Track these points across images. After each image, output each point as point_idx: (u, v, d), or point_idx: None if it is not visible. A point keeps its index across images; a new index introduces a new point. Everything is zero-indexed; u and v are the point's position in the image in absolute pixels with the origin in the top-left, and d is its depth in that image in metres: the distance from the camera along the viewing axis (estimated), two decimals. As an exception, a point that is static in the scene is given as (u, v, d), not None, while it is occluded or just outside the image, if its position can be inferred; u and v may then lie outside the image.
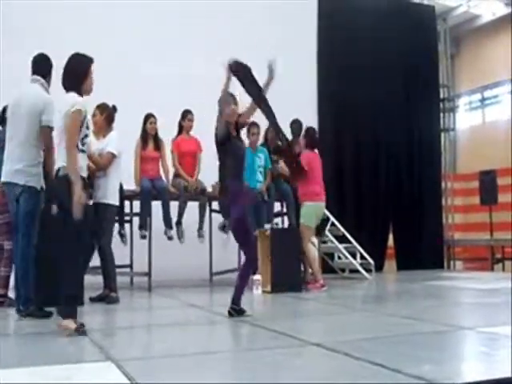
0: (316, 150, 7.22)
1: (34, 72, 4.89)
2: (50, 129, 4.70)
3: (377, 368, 2.92)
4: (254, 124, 7.30)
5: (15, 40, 7.63)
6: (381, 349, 3.44)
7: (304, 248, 6.94)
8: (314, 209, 7.00)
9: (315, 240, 7.37)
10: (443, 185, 11.27)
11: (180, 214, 7.24)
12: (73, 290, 3.99)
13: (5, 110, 5.27)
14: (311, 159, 7.01)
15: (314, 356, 3.37)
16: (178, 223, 7.22)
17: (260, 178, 7.47)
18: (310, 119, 9.27)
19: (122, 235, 7.00)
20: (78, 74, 4.18)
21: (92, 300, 5.82)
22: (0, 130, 5.49)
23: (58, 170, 4.05)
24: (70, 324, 3.93)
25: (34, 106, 4.74)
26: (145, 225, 6.96)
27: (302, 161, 6.95)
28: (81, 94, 4.17)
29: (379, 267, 9.64)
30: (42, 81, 4.87)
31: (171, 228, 7.13)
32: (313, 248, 7.08)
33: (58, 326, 3.99)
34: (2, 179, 4.83)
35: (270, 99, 9.01)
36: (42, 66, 4.91)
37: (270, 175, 7.62)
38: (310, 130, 7.25)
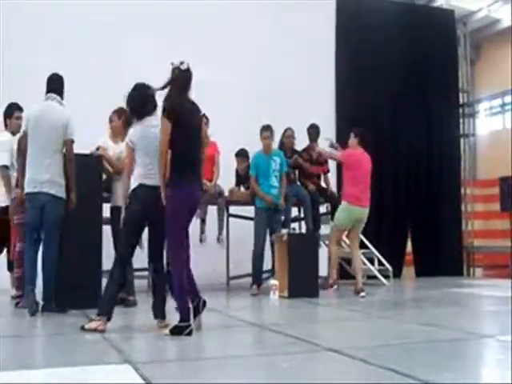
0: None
1: (50, 90, 5.31)
2: (72, 141, 5.26)
3: (393, 374, 2.90)
4: (266, 127, 7.20)
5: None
6: (398, 355, 3.42)
7: (328, 247, 6.92)
8: (347, 212, 6.91)
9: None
10: (463, 191, 11.15)
11: (202, 220, 7.25)
12: None
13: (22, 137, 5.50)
14: (355, 158, 6.87)
15: (330, 361, 3.36)
16: (202, 231, 7.25)
17: (275, 182, 7.23)
18: (328, 122, 9.29)
19: None
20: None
21: (110, 303, 5.85)
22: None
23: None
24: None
25: (57, 121, 5.18)
26: None
27: (344, 157, 6.91)
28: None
29: (397, 273, 9.56)
30: (58, 98, 5.33)
31: None
32: (335, 250, 7.05)
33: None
34: (29, 189, 5.15)
35: (287, 101, 9.01)
36: (57, 84, 5.38)
37: (286, 179, 7.44)
38: (359, 129, 7.12)
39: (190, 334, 4.05)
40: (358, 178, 6.84)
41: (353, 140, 7.04)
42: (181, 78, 4.23)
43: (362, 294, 6.73)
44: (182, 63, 4.23)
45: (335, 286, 6.96)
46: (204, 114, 5.45)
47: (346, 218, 6.92)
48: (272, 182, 7.23)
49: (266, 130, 7.17)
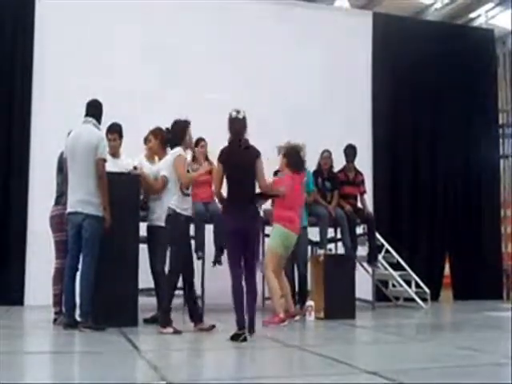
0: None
1: (88, 114, 5.55)
2: (104, 160, 5.39)
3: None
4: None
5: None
6: (438, 379, 3.34)
7: (265, 274, 6.27)
8: (284, 235, 6.23)
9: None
10: (502, 212, 10.93)
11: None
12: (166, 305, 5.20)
13: (61, 156, 5.81)
14: (292, 181, 6.30)
15: (370, 384, 3.30)
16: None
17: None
18: (365, 142, 9.25)
19: None
20: (176, 134, 5.43)
21: (146, 321, 5.88)
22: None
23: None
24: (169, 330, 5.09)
25: (89, 142, 5.38)
26: (202, 246, 7.01)
27: (281, 182, 6.31)
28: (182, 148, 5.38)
29: (435, 296, 9.37)
30: (94, 121, 5.54)
31: (222, 252, 7.04)
32: (273, 277, 6.15)
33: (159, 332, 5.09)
34: (68, 210, 5.42)
35: (324, 120, 8.95)
36: (95, 109, 5.62)
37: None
38: (291, 149, 6.52)
39: (244, 339, 4.54)
40: (291, 200, 6.22)
41: (283, 161, 6.47)
42: (235, 126, 4.93)
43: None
44: (238, 112, 4.92)
45: (286, 323, 5.95)
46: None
47: (282, 240, 6.25)
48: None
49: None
